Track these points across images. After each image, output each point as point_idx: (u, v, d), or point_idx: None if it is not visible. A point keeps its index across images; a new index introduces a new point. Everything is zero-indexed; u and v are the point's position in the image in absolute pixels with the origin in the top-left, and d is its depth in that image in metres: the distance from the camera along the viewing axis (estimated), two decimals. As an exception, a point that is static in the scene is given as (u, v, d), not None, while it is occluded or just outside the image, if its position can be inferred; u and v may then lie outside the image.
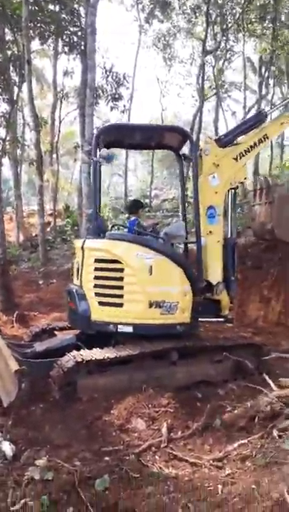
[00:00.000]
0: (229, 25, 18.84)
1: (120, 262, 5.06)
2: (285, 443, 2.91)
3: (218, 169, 5.48)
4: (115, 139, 6.10)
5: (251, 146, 5.64)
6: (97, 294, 5.11)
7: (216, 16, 18.68)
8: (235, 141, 5.65)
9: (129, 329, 5.05)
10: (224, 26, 18.72)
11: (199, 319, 5.48)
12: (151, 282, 5.06)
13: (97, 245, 5.28)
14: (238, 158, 5.56)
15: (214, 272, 5.46)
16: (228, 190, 5.67)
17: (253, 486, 2.87)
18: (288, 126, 5.78)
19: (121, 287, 5.05)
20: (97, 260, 5.17)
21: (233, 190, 5.76)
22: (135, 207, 6.23)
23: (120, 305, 5.05)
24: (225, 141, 5.61)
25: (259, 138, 5.69)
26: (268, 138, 5.74)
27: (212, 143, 5.61)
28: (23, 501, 2.91)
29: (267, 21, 18.43)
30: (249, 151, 5.63)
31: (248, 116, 20.65)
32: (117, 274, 5.08)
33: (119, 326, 5.04)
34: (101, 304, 5.09)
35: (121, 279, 5.06)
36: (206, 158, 5.50)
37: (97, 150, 5.52)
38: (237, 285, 5.88)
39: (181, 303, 5.13)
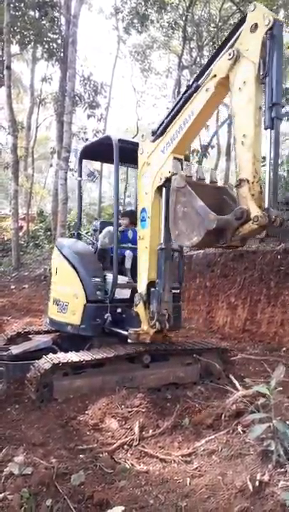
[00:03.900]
0: (205, 42, 19.50)
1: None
2: (249, 436, 3.19)
3: (149, 167, 4.87)
4: (98, 155, 6.50)
5: (177, 131, 4.57)
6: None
7: (192, 33, 19.29)
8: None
9: (48, 321, 5.96)
10: (200, 43, 19.35)
11: (104, 327, 5.27)
12: (55, 282, 5.93)
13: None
14: (165, 149, 4.70)
15: (139, 282, 5.07)
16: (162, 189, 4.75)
17: (219, 477, 3.13)
18: (215, 93, 4.24)
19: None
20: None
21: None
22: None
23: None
24: (158, 134, 4.82)
25: (185, 117, 4.47)
26: (193, 114, 4.39)
27: (146, 139, 4.96)
28: (2, 495, 3.05)
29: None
30: (175, 138, 4.60)
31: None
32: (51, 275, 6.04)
33: (47, 320, 5.95)
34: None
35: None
36: (140, 157, 4.99)
37: (81, 170, 6.18)
38: (173, 300, 5.04)
39: (71, 304, 5.41)
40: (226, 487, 2.99)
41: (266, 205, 3.76)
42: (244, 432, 3.55)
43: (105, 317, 5.26)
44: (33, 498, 3.02)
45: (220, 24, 18.67)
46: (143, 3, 17.36)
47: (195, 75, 4.64)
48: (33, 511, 2.93)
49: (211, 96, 4.25)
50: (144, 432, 4.17)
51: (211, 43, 19.38)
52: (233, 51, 3.95)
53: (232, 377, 4.98)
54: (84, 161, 6.54)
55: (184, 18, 18.14)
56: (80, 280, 5.36)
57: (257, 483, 2.77)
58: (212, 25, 19.49)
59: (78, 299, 5.34)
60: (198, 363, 5.50)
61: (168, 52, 23.51)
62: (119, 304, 5.36)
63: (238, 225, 3.73)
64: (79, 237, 6.34)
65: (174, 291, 5.48)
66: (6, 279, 13.27)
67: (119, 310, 5.35)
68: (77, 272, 5.42)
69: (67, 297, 5.50)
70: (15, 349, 5.38)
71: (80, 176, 6.31)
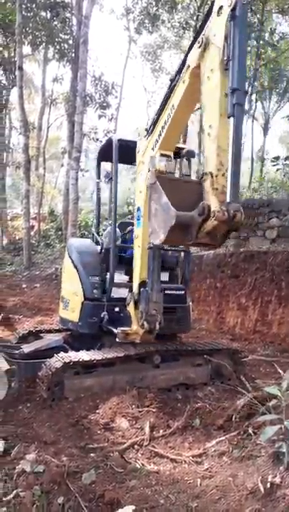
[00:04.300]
0: (216, 41, 19.39)
1: None
2: (260, 438, 3.18)
3: (144, 166, 4.81)
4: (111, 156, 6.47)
5: (162, 127, 4.50)
6: None
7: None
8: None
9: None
10: (211, 42, 19.26)
11: (101, 325, 5.34)
12: (63, 280, 6.12)
13: None
14: (154, 146, 4.65)
15: (133, 281, 5.12)
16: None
17: (230, 478, 3.12)
18: (190, 84, 4.09)
19: None
20: None
21: None
22: None
23: None
24: (149, 131, 4.80)
25: (168, 112, 4.41)
26: (174, 108, 4.30)
27: (142, 138, 4.93)
28: (15, 492, 3.08)
29: (252, 39, 19.06)
30: (161, 134, 4.53)
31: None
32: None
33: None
34: None
35: None
36: (137, 156, 5.00)
37: (99, 172, 6.22)
38: (155, 301, 4.79)
39: (71, 302, 5.58)
40: (236, 488, 2.98)
41: (228, 199, 3.50)
42: (255, 433, 3.54)
43: (102, 315, 5.30)
44: (44, 495, 3.05)
45: (231, 23, 18.55)
46: (154, 3, 17.37)
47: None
48: (45, 509, 2.97)
49: (187, 87, 4.10)
50: (154, 432, 4.18)
51: (222, 43, 19.27)
52: (202, 38, 3.79)
53: (243, 379, 4.96)
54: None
55: (195, 18, 18.08)
56: (79, 278, 5.50)
57: (268, 485, 2.76)
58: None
59: (77, 297, 5.47)
60: (208, 364, 5.49)
61: (179, 52, 23.46)
62: (116, 303, 5.37)
63: (201, 221, 3.57)
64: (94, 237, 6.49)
65: (178, 292, 5.52)
66: (17, 278, 13.37)
67: (117, 309, 5.37)
68: (77, 270, 5.58)
69: (69, 295, 5.68)
70: (26, 348, 5.43)
71: (98, 177, 6.40)
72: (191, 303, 5.89)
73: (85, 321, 5.38)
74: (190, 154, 5.41)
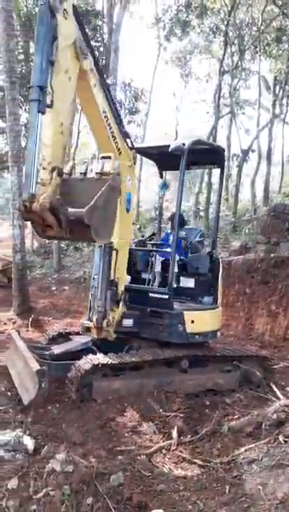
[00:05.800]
0: (246, 46, 19.23)
1: None
2: (291, 446, 3.12)
3: None
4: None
5: None
6: None
7: (234, 37, 19.09)
8: None
9: None
10: (242, 47, 19.11)
11: None
12: None
13: None
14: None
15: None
16: None
17: (259, 487, 3.08)
18: None
19: None
20: None
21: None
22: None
23: None
24: None
25: None
26: None
27: None
28: (45, 490, 3.14)
29: (283, 43, 18.78)
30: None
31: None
32: None
33: None
34: None
35: None
36: None
37: None
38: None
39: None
40: (266, 497, 2.93)
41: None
42: (286, 442, 3.48)
43: None
44: (73, 495, 3.09)
45: (262, 27, 18.39)
46: (184, 10, 17.40)
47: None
48: (74, 508, 3.00)
49: None
50: (181, 437, 4.17)
51: (253, 47, 19.12)
52: None
53: (273, 386, 4.88)
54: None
55: (225, 23, 18.01)
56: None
57: (299, 496, 2.70)
58: (254, 28, 19.23)
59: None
60: (237, 370, 5.43)
61: (209, 57, 23.41)
62: None
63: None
64: None
65: (160, 296, 5.36)
66: (47, 280, 13.60)
67: None
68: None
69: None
70: (56, 349, 5.51)
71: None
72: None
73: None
74: (177, 150, 5.23)
